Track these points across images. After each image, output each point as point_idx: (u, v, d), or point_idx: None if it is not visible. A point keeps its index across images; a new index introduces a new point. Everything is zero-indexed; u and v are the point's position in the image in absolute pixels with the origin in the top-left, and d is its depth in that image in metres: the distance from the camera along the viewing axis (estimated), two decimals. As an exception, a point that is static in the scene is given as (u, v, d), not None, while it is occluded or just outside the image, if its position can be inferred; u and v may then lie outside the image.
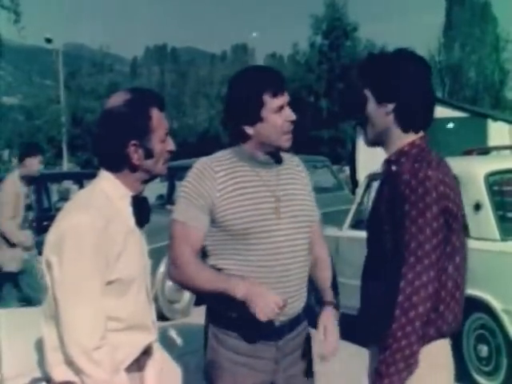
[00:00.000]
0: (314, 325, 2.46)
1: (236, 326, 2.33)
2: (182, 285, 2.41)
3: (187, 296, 7.68)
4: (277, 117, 2.33)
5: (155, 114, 2.14)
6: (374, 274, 2.20)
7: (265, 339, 2.34)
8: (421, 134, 2.22)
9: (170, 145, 2.20)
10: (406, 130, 2.19)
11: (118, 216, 2.11)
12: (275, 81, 2.34)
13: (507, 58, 53.09)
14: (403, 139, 2.19)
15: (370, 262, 2.26)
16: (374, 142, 2.27)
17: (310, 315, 2.61)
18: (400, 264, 2.02)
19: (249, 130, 2.35)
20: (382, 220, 2.12)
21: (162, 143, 2.16)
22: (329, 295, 2.49)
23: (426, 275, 1.99)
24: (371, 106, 2.20)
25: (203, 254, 2.39)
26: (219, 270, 2.33)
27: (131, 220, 2.16)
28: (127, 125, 2.09)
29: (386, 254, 2.10)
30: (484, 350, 4.82)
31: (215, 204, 2.30)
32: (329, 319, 2.40)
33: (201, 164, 2.38)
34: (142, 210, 2.19)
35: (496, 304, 4.62)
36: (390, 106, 2.16)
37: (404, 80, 2.16)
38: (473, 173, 4.87)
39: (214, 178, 2.32)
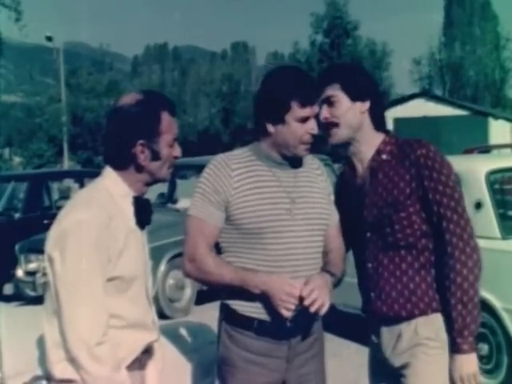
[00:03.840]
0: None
1: (249, 325, 2.32)
2: (199, 280, 2.42)
3: (187, 295, 7.69)
4: (299, 126, 2.31)
5: (165, 117, 2.15)
6: (399, 257, 2.35)
7: (278, 338, 2.33)
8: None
9: (177, 151, 2.20)
10: (377, 128, 2.42)
11: (120, 214, 2.11)
12: (307, 92, 2.31)
13: (508, 56, 53.09)
14: (377, 137, 2.42)
15: (388, 248, 2.36)
16: (344, 143, 2.43)
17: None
18: (438, 228, 2.28)
19: (270, 128, 2.34)
20: (402, 202, 2.30)
21: (169, 148, 2.17)
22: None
23: (469, 227, 2.28)
24: (344, 105, 2.37)
25: (217, 250, 2.40)
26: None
27: (132, 220, 2.17)
28: (136, 124, 2.10)
29: (415, 230, 2.31)
30: (484, 348, 4.81)
31: (230, 201, 2.31)
32: (321, 276, 2.33)
33: (217, 160, 2.38)
34: (143, 211, 2.20)
35: (496, 302, 4.62)
36: (366, 104, 2.37)
37: (373, 81, 2.46)
38: (474, 171, 4.87)
39: (231, 176, 2.33)
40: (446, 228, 2.26)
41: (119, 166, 2.15)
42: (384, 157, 2.37)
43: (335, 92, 2.36)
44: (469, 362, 2.28)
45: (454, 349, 2.28)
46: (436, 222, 2.29)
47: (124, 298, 2.10)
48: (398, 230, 2.32)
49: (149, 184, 2.21)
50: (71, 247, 1.99)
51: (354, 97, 2.36)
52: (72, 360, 2.00)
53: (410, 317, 2.34)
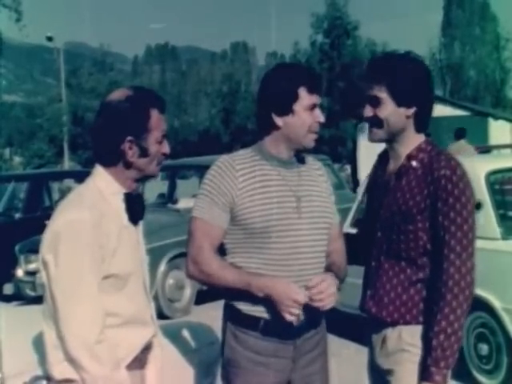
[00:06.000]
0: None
1: (255, 325, 2.32)
2: (202, 282, 2.41)
3: (187, 295, 7.69)
4: (307, 114, 2.33)
5: (154, 114, 2.15)
6: (399, 267, 2.33)
7: (284, 338, 2.33)
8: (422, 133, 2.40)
9: (166, 148, 2.20)
10: (419, 130, 2.37)
11: (111, 212, 2.11)
12: (314, 78, 2.36)
13: (508, 56, 53.05)
14: (416, 138, 2.37)
15: (391, 254, 2.35)
16: (384, 141, 2.41)
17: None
18: (438, 252, 2.23)
19: (278, 121, 2.34)
20: (413, 215, 2.27)
21: (157, 144, 2.16)
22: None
23: (469, 262, 2.22)
24: (389, 108, 2.32)
25: (222, 251, 2.39)
26: (238, 267, 2.33)
27: (124, 216, 2.16)
28: (125, 120, 2.10)
29: (419, 246, 2.28)
30: (484, 348, 4.82)
31: (236, 202, 2.30)
32: (329, 275, 2.36)
33: (222, 162, 2.37)
34: (135, 207, 2.19)
35: (496, 303, 4.62)
36: (411, 110, 2.31)
37: (424, 84, 2.34)
38: (474, 172, 4.85)
39: (235, 176, 2.32)
40: (446, 256, 2.21)
41: (108, 163, 2.15)
42: (414, 163, 2.33)
43: (381, 94, 2.31)
44: None
45: (425, 376, 2.21)
46: (438, 246, 2.25)
47: (121, 295, 2.10)
48: (403, 240, 2.30)
49: (138, 180, 2.21)
50: (64, 249, 1.99)
51: (400, 102, 2.30)
52: (71, 361, 2.00)
53: (394, 324, 2.33)
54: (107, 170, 2.15)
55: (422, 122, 2.36)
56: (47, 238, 2.05)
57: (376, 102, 2.33)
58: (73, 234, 2.00)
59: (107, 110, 2.14)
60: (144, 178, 2.22)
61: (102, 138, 2.14)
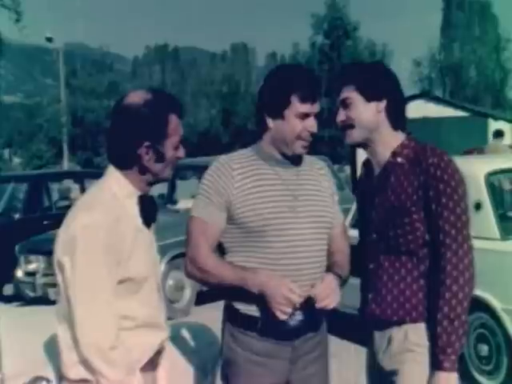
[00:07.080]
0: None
1: (253, 325, 2.32)
2: (200, 281, 2.42)
3: (187, 295, 7.70)
4: (298, 122, 2.32)
5: (173, 119, 2.13)
6: (400, 262, 2.32)
7: (281, 339, 2.33)
8: (403, 132, 2.41)
9: (181, 152, 2.19)
10: (396, 127, 2.37)
11: (126, 215, 2.10)
12: (309, 88, 2.33)
13: (508, 57, 53.10)
14: (396, 137, 2.38)
15: (390, 252, 2.34)
16: (361, 144, 2.41)
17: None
18: (436, 241, 2.24)
19: (269, 123, 2.36)
20: (407, 208, 2.28)
21: (174, 150, 2.15)
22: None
23: (466, 244, 2.22)
24: (359, 106, 2.34)
25: (221, 251, 2.40)
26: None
27: (138, 219, 2.15)
28: (143, 125, 2.07)
29: (417, 237, 2.28)
30: (484, 349, 4.82)
31: (232, 201, 2.32)
32: (331, 276, 2.34)
33: (219, 162, 2.39)
34: (148, 210, 2.18)
35: (496, 303, 4.62)
36: (382, 104, 2.33)
37: (390, 80, 2.38)
38: (473, 172, 4.87)
39: (232, 176, 2.34)
40: (442, 241, 2.22)
41: (123, 166, 2.13)
42: (399, 160, 2.33)
43: (350, 94, 2.34)
44: (448, 381, 2.20)
45: (435, 365, 2.21)
46: (434, 234, 2.26)
47: (135, 298, 2.10)
48: (400, 234, 2.30)
49: (151, 183, 2.20)
50: (80, 251, 1.98)
51: (369, 97, 2.33)
52: (85, 363, 2.00)
53: (401, 322, 2.32)
54: (121, 172, 2.14)
55: (396, 117, 2.37)
56: (63, 240, 2.03)
57: (346, 104, 2.36)
58: (89, 238, 1.98)
59: (125, 114, 2.10)
60: (157, 182, 2.21)
61: (119, 141, 2.11)
